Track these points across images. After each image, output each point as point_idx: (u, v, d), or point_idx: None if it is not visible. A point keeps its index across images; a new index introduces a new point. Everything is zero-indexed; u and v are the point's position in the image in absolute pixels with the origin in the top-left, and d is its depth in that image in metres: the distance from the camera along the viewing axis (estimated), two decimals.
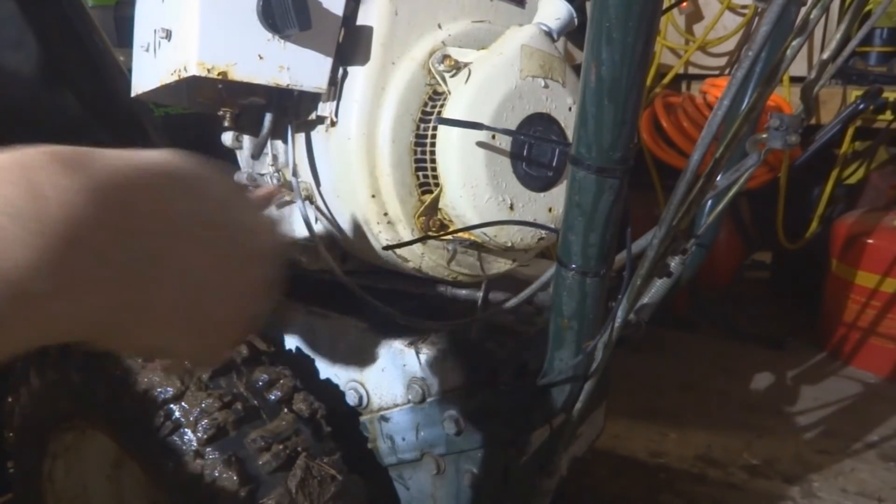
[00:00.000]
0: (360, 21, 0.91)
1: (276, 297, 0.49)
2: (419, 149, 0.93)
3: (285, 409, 0.93)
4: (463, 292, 0.99)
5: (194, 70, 0.80)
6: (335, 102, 0.92)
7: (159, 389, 0.88)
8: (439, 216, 0.95)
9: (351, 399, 1.02)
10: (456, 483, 0.97)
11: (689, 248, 1.00)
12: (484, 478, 0.95)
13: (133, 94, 0.96)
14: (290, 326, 1.08)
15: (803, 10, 0.61)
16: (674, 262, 0.98)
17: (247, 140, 1.06)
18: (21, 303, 0.32)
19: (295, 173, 0.99)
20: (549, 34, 0.95)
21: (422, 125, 0.93)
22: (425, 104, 0.93)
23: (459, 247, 0.99)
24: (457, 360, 0.92)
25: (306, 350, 1.07)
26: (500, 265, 1.06)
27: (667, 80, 2.95)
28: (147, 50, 0.88)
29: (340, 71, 0.92)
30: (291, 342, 1.08)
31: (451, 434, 0.93)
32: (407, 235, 0.96)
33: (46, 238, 0.33)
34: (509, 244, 0.96)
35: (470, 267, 1.03)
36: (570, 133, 0.96)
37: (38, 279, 0.33)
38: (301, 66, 0.87)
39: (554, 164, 0.97)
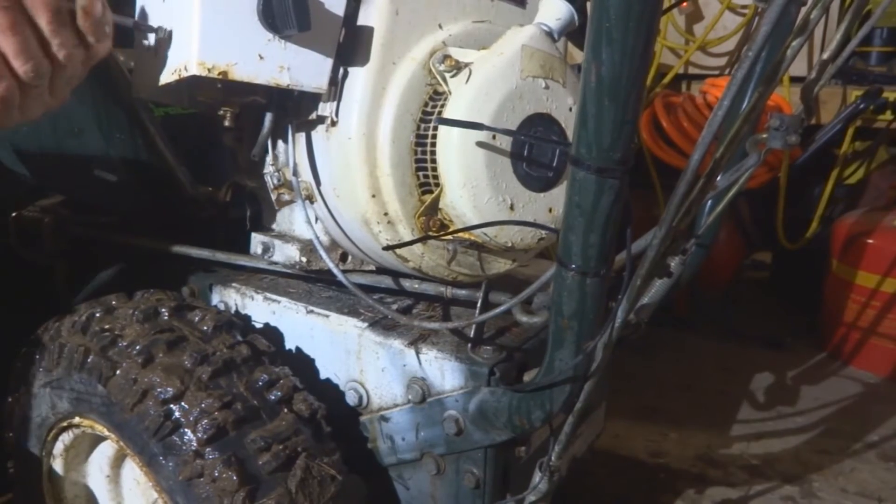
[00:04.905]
0: (361, 21, 0.91)
1: None
2: (419, 149, 0.93)
3: (285, 410, 0.92)
4: (463, 292, 0.99)
5: (195, 70, 0.80)
6: (336, 102, 0.93)
7: (159, 389, 0.88)
8: (439, 216, 0.95)
9: (351, 399, 1.02)
10: (456, 483, 0.97)
11: (689, 248, 1.00)
12: (484, 478, 0.95)
13: (134, 94, 0.96)
14: (290, 326, 1.08)
15: (803, 11, 0.61)
16: (674, 263, 0.98)
17: (247, 140, 1.06)
18: None
19: (295, 173, 0.99)
20: (549, 34, 0.96)
21: (422, 125, 0.93)
22: (426, 104, 0.93)
23: (459, 247, 0.99)
24: (457, 360, 0.92)
25: (306, 350, 1.07)
26: (500, 265, 1.06)
27: (667, 80, 2.95)
28: (148, 50, 0.88)
29: (341, 71, 0.92)
30: (291, 342, 1.08)
31: (451, 434, 0.93)
32: (407, 235, 0.96)
33: None
34: (509, 244, 0.96)
35: (470, 267, 1.03)
36: (570, 133, 0.96)
37: None
38: (301, 67, 0.87)
39: (554, 164, 0.97)
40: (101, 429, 0.96)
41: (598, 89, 0.60)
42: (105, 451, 1.09)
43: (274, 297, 1.09)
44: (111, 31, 0.73)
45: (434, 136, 0.92)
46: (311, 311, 1.04)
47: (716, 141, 0.60)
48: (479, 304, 0.95)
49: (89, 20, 0.69)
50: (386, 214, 0.94)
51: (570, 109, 0.97)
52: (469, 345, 0.93)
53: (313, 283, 1.14)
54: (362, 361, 1.00)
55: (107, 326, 0.96)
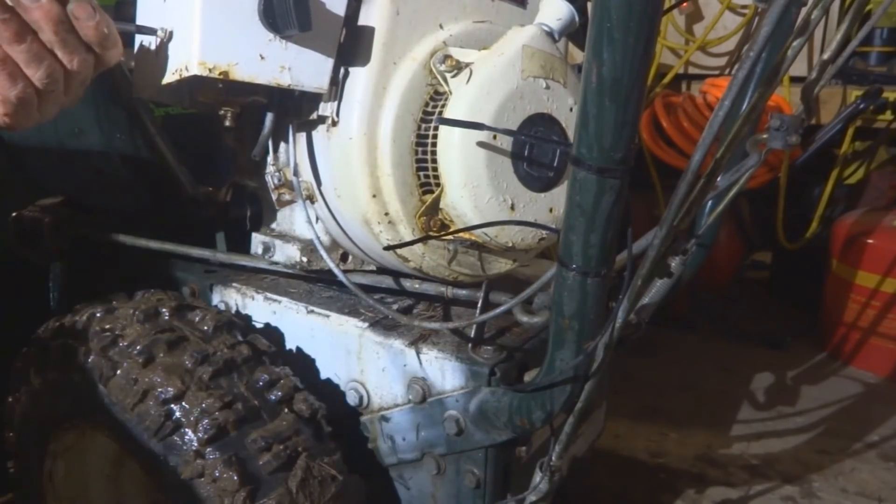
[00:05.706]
0: (362, 21, 0.91)
1: None
2: (420, 149, 0.93)
3: (286, 410, 0.93)
4: (463, 292, 0.99)
5: (196, 70, 0.80)
6: (336, 102, 0.93)
7: (160, 389, 0.88)
8: (440, 216, 0.95)
9: (351, 399, 1.02)
10: (456, 483, 0.97)
11: (689, 248, 1.00)
12: (484, 478, 0.95)
13: (134, 94, 0.96)
14: (290, 326, 1.08)
15: (804, 11, 0.61)
16: (674, 263, 0.98)
17: (248, 140, 1.06)
18: None
19: (296, 173, 0.99)
20: (550, 35, 0.96)
21: (423, 125, 0.93)
22: (426, 104, 0.93)
23: (460, 247, 0.99)
24: (457, 360, 0.92)
25: (307, 350, 1.07)
26: (501, 265, 1.06)
27: (667, 80, 2.95)
28: (148, 50, 0.88)
29: (342, 71, 0.92)
30: (292, 342, 1.08)
31: (452, 434, 0.93)
32: (408, 235, 0.96)
33: None
34: (510, 244, 0.96)
35: (471, 267, 1.03)
36: (570, 133, 0.96)
37: None
38: (302, 67, 0.87)
39: (555, 164, 0.97)
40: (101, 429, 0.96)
41: (599, 89, 0.60)
42: (105, 451, 1.09)
43: (274, 297, 1.09)
44: (117, 37, 0.73)
45: (435, 136, 0.92)
46: (312, 311, 1.04)
47: (716, 141, 0.60)
48: (479, 304, 0.95)
49: (85, 25, 0.69)
50: (387, 214, 0.94)
51: (571, 109, 0.97)
52: (470, 345, 0.93)
53: (314, 283, 1.14)
54: (363, 361, 1.00)
55: (107, 326, 0.96)
